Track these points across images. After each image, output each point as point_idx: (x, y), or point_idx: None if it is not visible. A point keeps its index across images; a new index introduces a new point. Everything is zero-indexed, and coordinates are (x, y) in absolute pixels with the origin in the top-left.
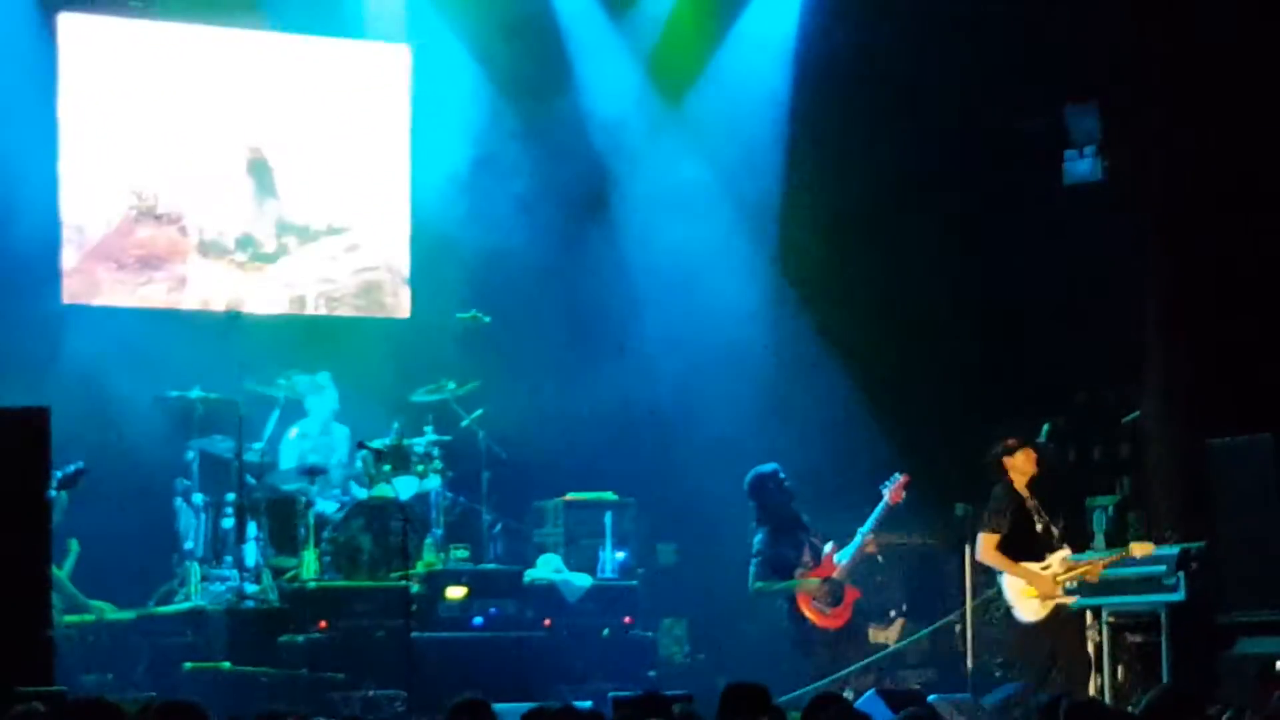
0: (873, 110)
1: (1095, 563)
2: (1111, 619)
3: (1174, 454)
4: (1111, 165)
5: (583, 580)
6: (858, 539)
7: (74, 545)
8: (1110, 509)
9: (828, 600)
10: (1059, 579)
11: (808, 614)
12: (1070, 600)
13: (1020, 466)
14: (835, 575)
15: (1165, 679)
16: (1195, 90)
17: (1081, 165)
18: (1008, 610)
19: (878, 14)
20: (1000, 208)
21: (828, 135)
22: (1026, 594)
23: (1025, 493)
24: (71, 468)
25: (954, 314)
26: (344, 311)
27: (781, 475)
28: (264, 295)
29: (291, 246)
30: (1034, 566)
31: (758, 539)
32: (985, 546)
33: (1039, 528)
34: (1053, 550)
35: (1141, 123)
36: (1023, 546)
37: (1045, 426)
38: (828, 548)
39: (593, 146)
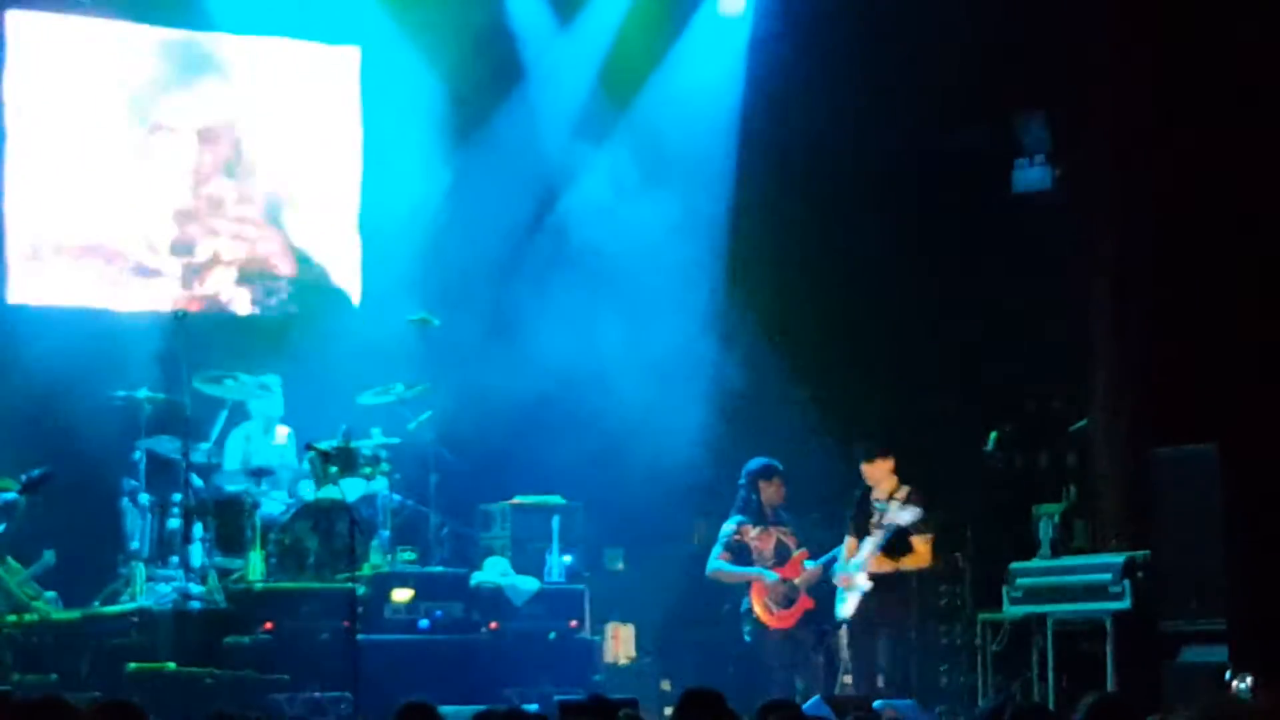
0: (823, 119)
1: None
2: (1057, 626)
3: (1120, 463)
4: (1061, 173)
5: (529, 584)
6: (832, 554)
7: (49, 557)
8: (1056, 516)
9: (780, 601)
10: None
11: (756, 608)
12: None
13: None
14: (795, 580)
15: (1109, 687)
16: (1144, 98)
17: (1031, 174)
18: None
19: (828, 24)
20: (950, 216)
21: (777, 144)
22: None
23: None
24: (37, 472)
25: (903, 322)
26: (292, 312)
27: (763, 470)
28: (211, 295)
29: (240, 246)
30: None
31: (731, 523)
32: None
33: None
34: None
35: (1090, 131)
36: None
37: (993, 434)
38: (797, 552)
39: (542, 151)
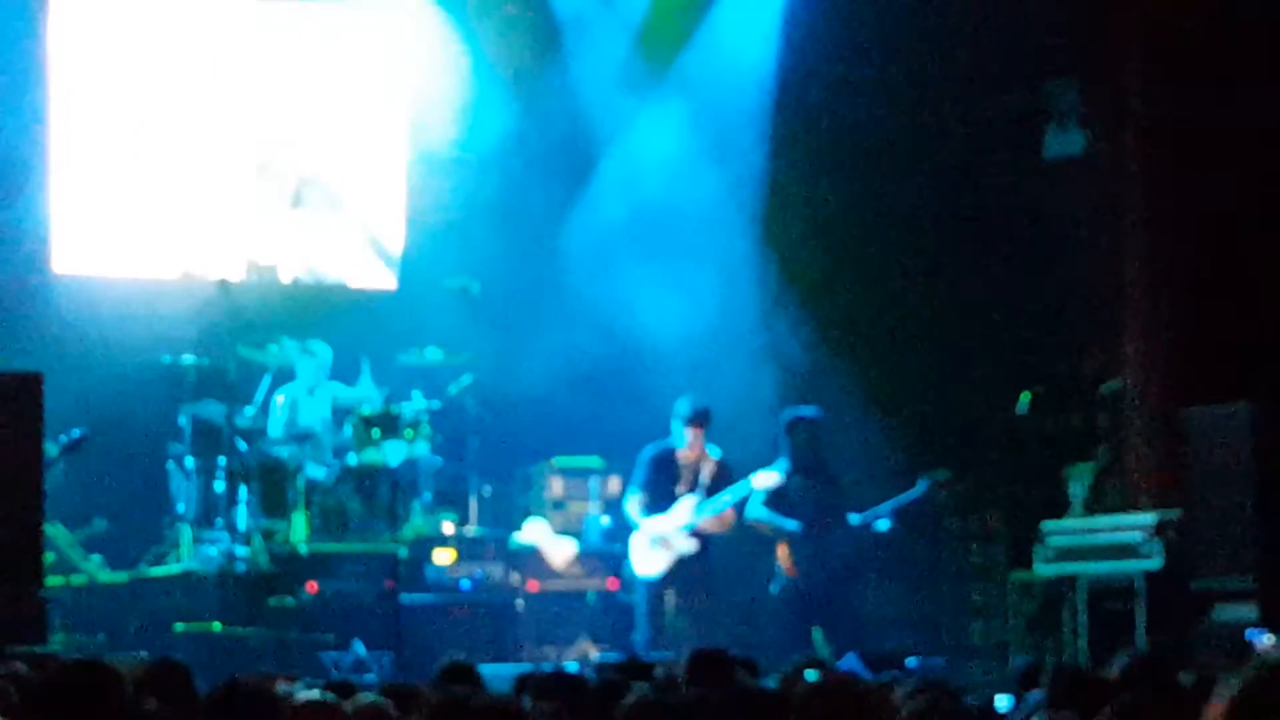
0: (857, 83)
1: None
2: (1089, 585)
3: (1152, 422)
4: (1092, 138)
5: (569, 545)
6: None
7: (99, 525)
8: (1088, 476)
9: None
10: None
11: (780, 560)
12: (690, 547)
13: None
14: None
15: (1141, 645)
16: (1175, 62)
17: (1062, 139)
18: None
19: None
20: (983, 181)
21: (812, 105)
22: (647, 548)
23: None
24: (76, 433)
25: (936, 285)
26: (335, 280)
27: (815, 421)
28: (258, 262)
29: (285, 214)
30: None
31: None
32: (629, 503)
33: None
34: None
35: (1122, 96)
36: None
37: (1025, 396)
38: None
39: (581, 113)
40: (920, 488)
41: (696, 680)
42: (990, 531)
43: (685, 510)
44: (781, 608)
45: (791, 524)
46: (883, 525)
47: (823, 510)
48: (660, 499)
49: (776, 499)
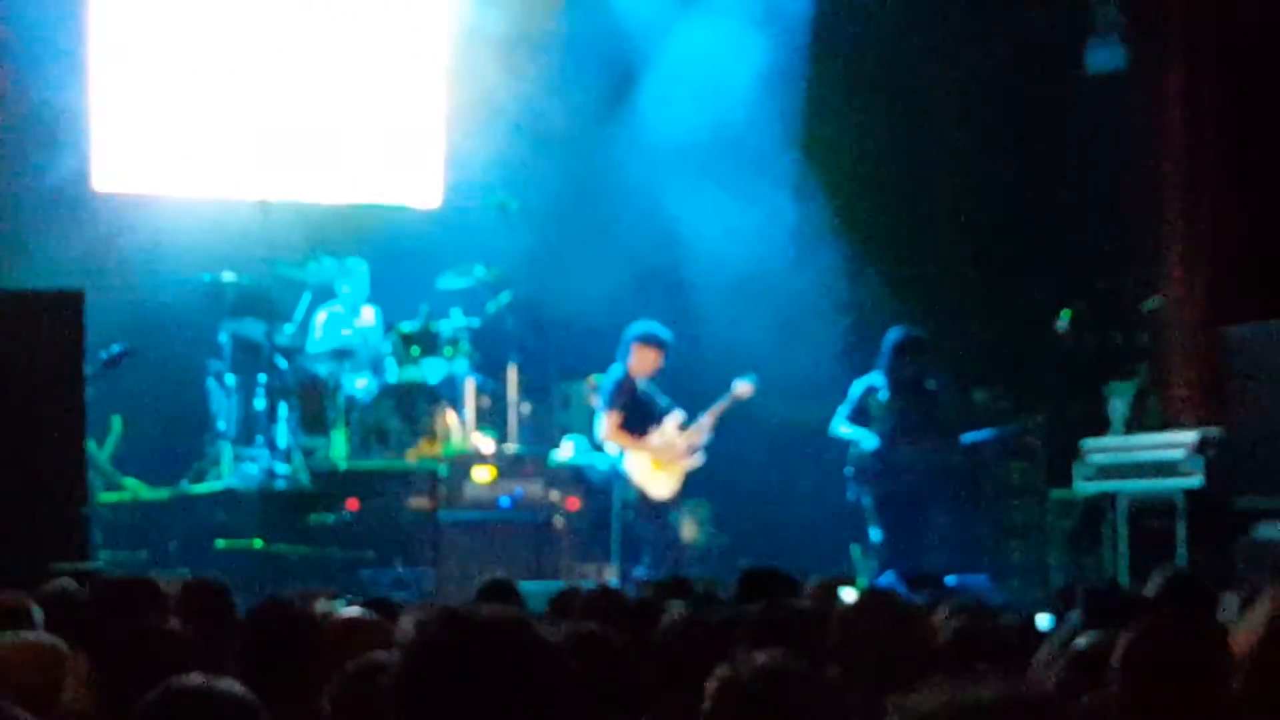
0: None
1: (713, 411)
2: (1129, 503)
3: (1193, 340)
4: (1134, 53)
5: (607, 462)
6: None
7: (116, 423)
8: (1129, 394)
9: None
10: (681, 440)
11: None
12: (697, 460)
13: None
14: None
15: (1182, 563)
16: None
17: (1104, 53)
18: (639, 499)
19: None
20: (1023, 96)
21: (854, 17)
22: (655, 470)
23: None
24: (117, 348)
25: (975, 201)
26: (375, 199)
27: (916, 340)
28: (295, 182)
29: (327, 134)
30: (651, 438)
31: (863, 382)
32: (608, 427)
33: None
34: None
35: (1163, 11)
36: (637, 424)
37: (1066, 313)
38: None
39: (621, 29)
40: (1015, 427)
41: (746, 598)
42: (1029, 449)
43: (674, 426)
44: (824, 523)
45: (872, 441)
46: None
47: (918, 429)
48: (633, 421)
49: (862, 414)
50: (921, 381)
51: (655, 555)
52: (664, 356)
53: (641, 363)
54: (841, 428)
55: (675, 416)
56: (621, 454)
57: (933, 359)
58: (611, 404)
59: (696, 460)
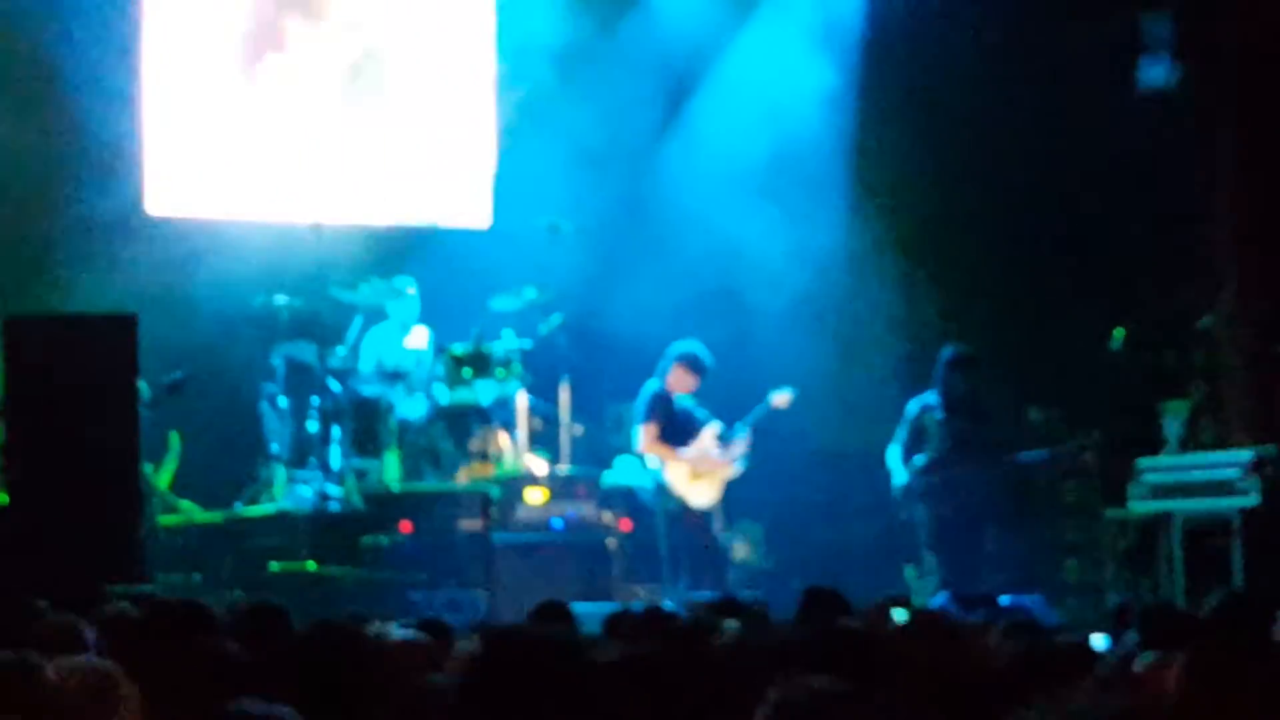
0: (949, 14)
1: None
2: (1184, 523)
3: (1247, 358)
4: (1185, 70)
5: (652, 477)
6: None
7: (175, 441)
8: (1184, 413)
9: None
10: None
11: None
12: (736, 470)
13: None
14: None
15: (1238, 583)
16: None
17: (1156, 70)
18: (679, 509)
19: None
20: (1074, 114)
21: (907, 37)
22: (694, 480)
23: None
24: (177, 375)
25: (1028, 220)
26: (426, 220)
27: (970, 359)
28: (347, 204)
29: (375, 155)
30: (688, 449)
31: (918, 402)
32: (646, 439)
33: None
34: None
35: (1215, 29)
36: (675, 437)
37: (1120, 332)
38: None
39: (672, 45)
40: (1071, 445)
41: (806, 619)
42: (1084, 468)
43: (711, 437)
44: (877, 544)
45: (902, 476)
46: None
47: (972, 448)
48: (671, 433)
49: (918, 434)
50: (975, 399)
51: (697, 565)
52: (701, 381)
53: (679, 382)
54: (893, 457)
55: (712, 428)
56: (661, 466)
57: (985, 376)
58: (649, 416)
59: (735, 470)
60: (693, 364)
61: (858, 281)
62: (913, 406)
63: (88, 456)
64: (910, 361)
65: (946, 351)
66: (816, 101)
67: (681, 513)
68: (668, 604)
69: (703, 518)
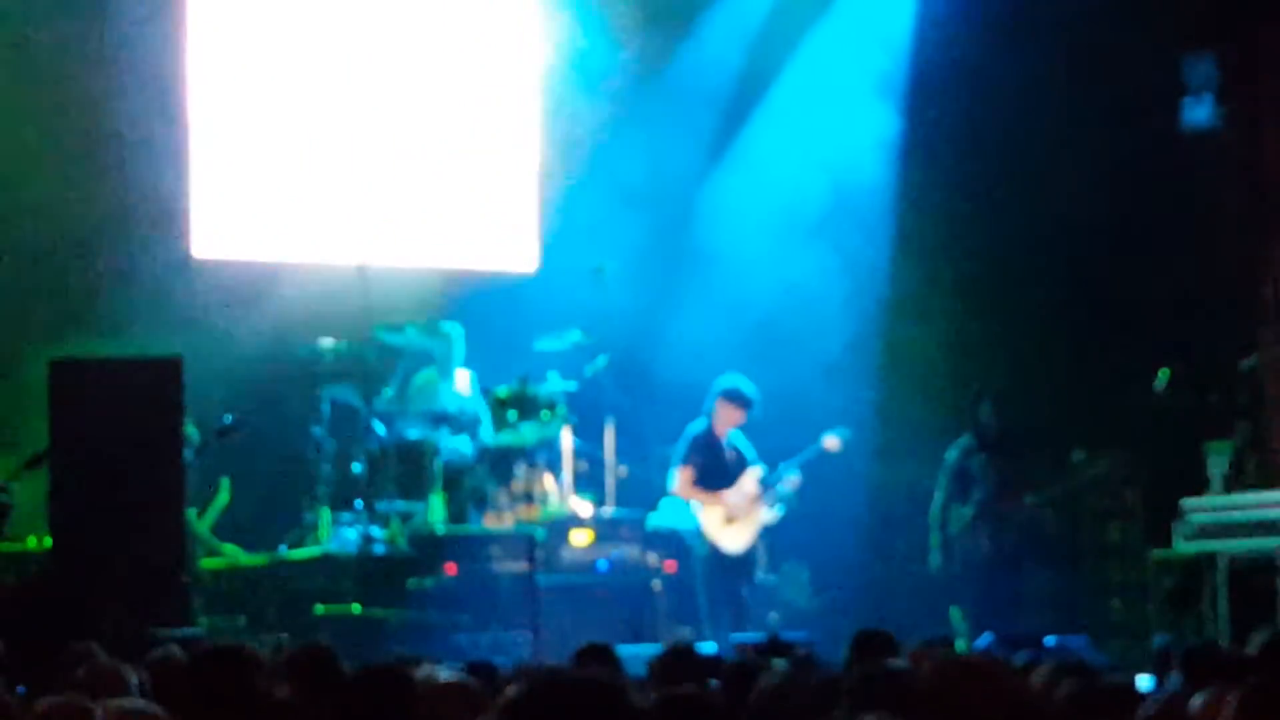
0: (993, 57)
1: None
2: (1230, 563)
3: None
4: (1229, 111)
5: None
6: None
7: (225, 485)
8: (1228, 453)
9: None
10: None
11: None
12: (773, 515)
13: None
14: None
15: None
16: None
17: (1199, 111)
18: (711, 553)
19: None
20: (1118, 155)
21: (953, 78)
22: (726, 524)
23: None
24: (229, 419)
25: (1072, 260)
26: (473, 265)
27: (990, 396)
28: (392, 247)
29: (420, 198)
30: (726, 493)
31: (957, 446)
32: (681, 481)
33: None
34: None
35: (1258, 68)
36: (714, 479)
37: (1164, 373)
38: None
39: (718, 86)
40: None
41: (857, 660)
42: (1129, 509)
43: (753, 481)
44: (923, 585)
45: (938, 559)
46: None
47: (1005, 487)
48: (710, 475)
49: (962, 478)
50: (1005, 435)
51: (737, 609)
52: (748, 414)
53: (725, 418)
54: (936, 511)
55: (754, 471)
56: (697, 509)
57: (1000, 409)
58: (686, 459)
59: (773, 515)
60: (735, 398)
61: (906, 323)
62: (951, 453)
63: (133, 500)
64: (958, 407)
65: (971, 391)
66: (863, 142)
67: (712, 557)
68: (708, 646)
69: (734, 562)
